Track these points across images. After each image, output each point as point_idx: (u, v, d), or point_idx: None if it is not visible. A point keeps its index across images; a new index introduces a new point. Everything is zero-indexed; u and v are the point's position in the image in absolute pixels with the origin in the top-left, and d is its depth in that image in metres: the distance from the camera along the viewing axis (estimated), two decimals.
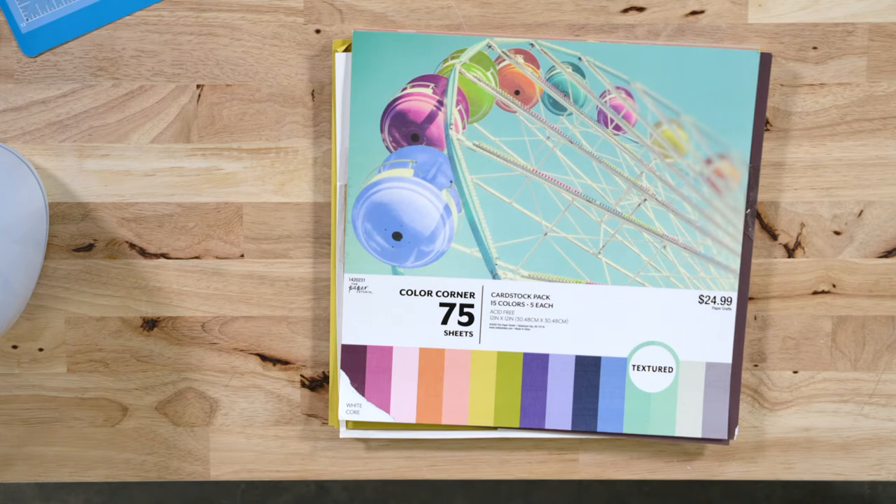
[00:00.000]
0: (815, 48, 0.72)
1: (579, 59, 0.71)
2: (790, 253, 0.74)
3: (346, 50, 0.72)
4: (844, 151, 0.73)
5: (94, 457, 0.78)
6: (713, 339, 0.73)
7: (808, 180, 0.73)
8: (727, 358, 0.73)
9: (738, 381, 0.73)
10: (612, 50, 0.71)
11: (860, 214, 0.74)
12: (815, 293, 0.74)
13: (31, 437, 0.78)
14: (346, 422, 0.75)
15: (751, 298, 0.74)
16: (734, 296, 0.72)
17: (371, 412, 0.74)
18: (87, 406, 0.77)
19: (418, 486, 1.06)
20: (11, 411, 0.77)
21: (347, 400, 0.74)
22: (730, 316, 0.72)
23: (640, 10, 0.72)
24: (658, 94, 0.71)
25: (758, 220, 0.74)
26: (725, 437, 0.73)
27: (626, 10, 0.72)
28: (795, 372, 0.75)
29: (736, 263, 0.72)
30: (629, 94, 0.71)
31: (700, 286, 0.72)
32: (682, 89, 0.71)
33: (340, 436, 0.75)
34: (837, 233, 0.74)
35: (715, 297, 0.72)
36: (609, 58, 0.71)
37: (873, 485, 1.49)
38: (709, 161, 0.71)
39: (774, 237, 0.74)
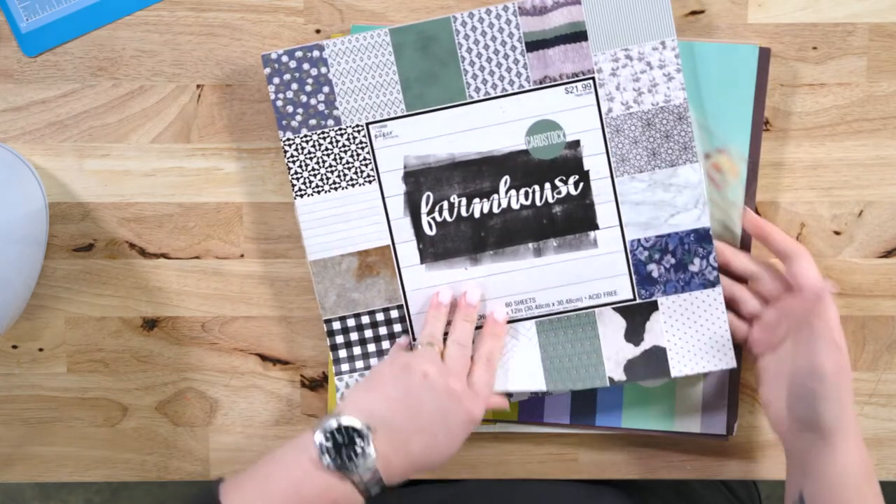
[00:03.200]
0: (815, 48, 0.72)
1: None
2: None
3: None
4: (844, 151, 0.73)
5: (94, 457, 0.78)
6: None
7: (808, 180, 0.73)
8: None
9: (737, 378, 0.73)
10: None
11: (860, 214, 0.74)
12: None
13: (31, 437, 0.78)
14: None
15: None
16: None
17: None
18: (87, 406, 0.77)
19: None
20: (11, 411, 0.77)
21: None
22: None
23: None
24: None
25: None
26: (724, 433, 0.73)
27: None
28: None
29: None
30: None
31: None
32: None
33: None
34: (837, 233, 0.74)
35: None
36: None
37: None
38: (707, 156, 0.71)
39: None
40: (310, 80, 0.69)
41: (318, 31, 0.72)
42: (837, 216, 0.74)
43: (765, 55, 0.70)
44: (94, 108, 0.74)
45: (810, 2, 0.72)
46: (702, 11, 0.72)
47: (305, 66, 0.69)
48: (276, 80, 0.69)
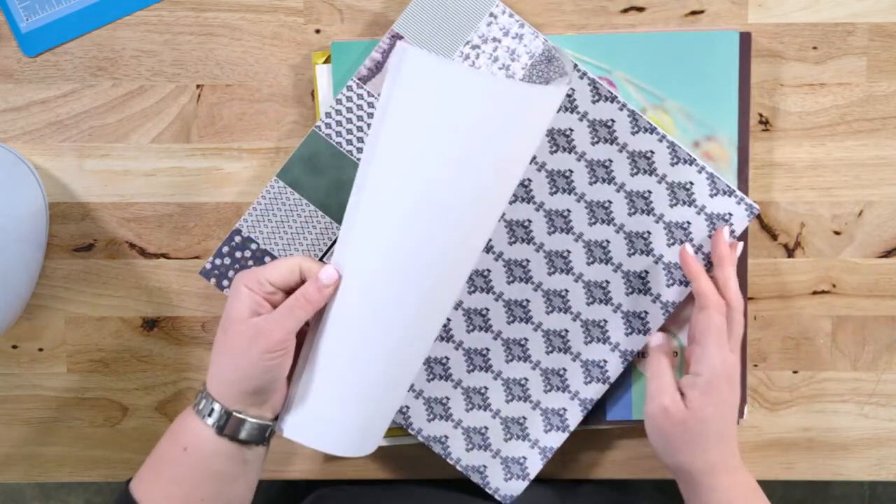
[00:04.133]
0: (815, 48, 0.72)
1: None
2: (790, 253, 0.74)
3: (327, 61, 0.72)
4: (844, 151, 0.73)
5: (94, 457, 0.78)
6: None
7: (808, 180, 0.73)
8: None
9: (743, 359, 0.72)
10: (590, 41, 0.70)
11: (860, 214, 0.74)
12: (815, 293, 0.74)
13: (31, 437, 0.78)
14: None
15: (751, 298, 0.74)
16: None
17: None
18: (87, 406, 0.77)
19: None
20: (11, 411, 0.77)
21: None
22: None
23: (640, 10, 0.72)
24: (640, 81, 0.70)
25: (758, 220, 0.74)
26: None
27: (626, 10, 0.72)
28: (795, 372, 0.75)
29: None
30: (611, 84, 0.70)
31: None
32: (663, 75, 0.70)
33: None
34: (837, 233, 0.74)
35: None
36: (588, 49, 0.70)
37: (873, 485, 1.49)
38: (697, 144, 0.71)
39: (774, 237, 0.74)
40: (250, 263, 0.71)
41: (317, 31, 0.72)
42: (837, 216, 0.74)
43: (745, 40, 0.70)
44: (94, 108, 0.74)
45: (810, 2, 0.72)
46: (702, 11, 0.72)
47: (238, 253, 0.71)
48: (225, 283, 0.72)
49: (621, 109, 0.69)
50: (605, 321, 0.71)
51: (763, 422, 0.76)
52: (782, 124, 0.73)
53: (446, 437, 0.72)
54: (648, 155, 0.69)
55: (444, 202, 0.60)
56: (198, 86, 0.74)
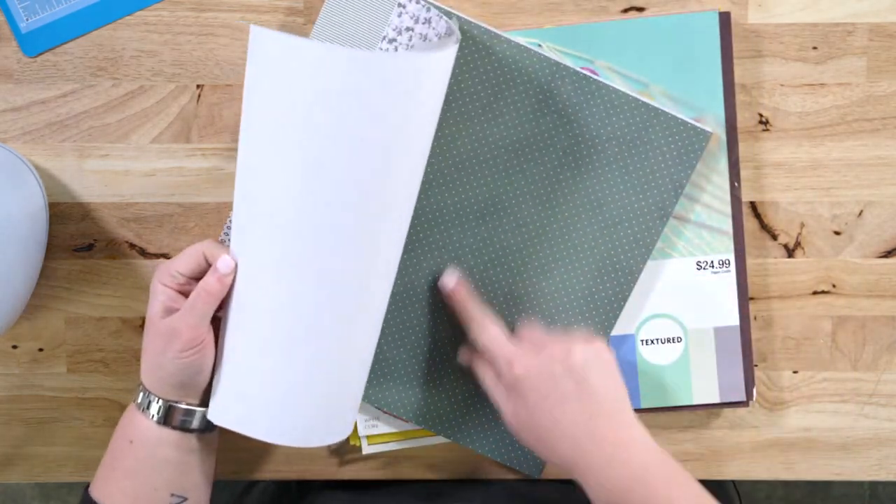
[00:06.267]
0: (815, 48, 0.72)
1: (539, 45, 0.71)
2: (790, 253, 0.74)
3: None
4: (844, 151, 0.73)
5: (94, 457, 0.78)
6: (717, 303, 0.72)
7: (808, 180, 0.73)
8: (734, 320, 0.72)
9: (748, 342, 0.72)
10: (570, 32, 0.70)
11: (860, 214, 0.74)
12: (815, 293, 0.74)
13: (31, 437, 0.78)
14: (367, 437, 0.74)
15: (751, 298, 0.74)
16: (731, 257, 0.72)
17: (389, 420, 0.74)
18: (87, 406, 0.77)
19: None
20: (11, 411, 0.77)
21: (364, 415, 0.74)
22: (730, 278, 0.72)
23: (640, 10, 0.72)
24: (623, 68, 0.70)
25: (758, 220, 0.74)
26: (745, 399, 0.73)
27: (626, 10, 0.72)
28: (795, 372, 0.75)
29: (727, 225, 0.72)
30: (594, 73, 0.70)
31: (696, 252, 0.72)
32: (646, 61, 0.70)
33: (364, 452, 0.75)
34: (837, 233, 0.74)
35: (712, 262, 0.72)
36: (569, 40, 0.70)
37: (873, 485, 1.49)
38: None
39: (774, 237, 0.74)
40: None
41: None
42: (837, 216, 0.74)
43: (725, 19, 0.70)
44: (94, 108, 0.74)
45: (810, 2, 0.72)
46: None
47: None
48: None
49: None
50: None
51: (763, 422, 0.76)
52: (782, 124, 0.73)
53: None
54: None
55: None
56: (198, 86, 0.74)
